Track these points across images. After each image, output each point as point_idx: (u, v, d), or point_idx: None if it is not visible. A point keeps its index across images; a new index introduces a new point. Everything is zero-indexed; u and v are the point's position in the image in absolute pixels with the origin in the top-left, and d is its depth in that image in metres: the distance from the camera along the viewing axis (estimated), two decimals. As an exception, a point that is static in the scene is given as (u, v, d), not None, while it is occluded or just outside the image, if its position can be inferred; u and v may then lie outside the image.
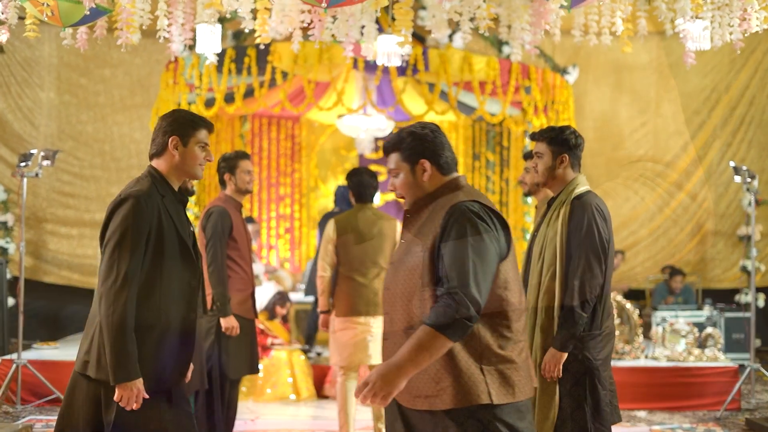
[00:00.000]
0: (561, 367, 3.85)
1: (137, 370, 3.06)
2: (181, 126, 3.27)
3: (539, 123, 8.73)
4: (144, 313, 3.11)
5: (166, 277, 3.17)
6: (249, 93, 8.80)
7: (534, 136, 4.14)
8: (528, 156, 5.28)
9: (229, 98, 8.72)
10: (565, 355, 3.85)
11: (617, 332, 8.14)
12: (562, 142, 4.02)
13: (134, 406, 3.06)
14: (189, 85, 8.68)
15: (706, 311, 9.69)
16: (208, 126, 3.34)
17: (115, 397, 3.06)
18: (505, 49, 9.30)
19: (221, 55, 8.35)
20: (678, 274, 10.75)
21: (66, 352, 8.06)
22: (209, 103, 8.77)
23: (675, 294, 10.56)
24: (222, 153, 6.26)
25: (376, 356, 5.76)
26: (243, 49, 8.34)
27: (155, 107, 9.38)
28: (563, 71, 9.23)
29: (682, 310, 9.61)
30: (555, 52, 10.27)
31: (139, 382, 3.06)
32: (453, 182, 2.96)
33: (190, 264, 3.27)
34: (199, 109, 8.69)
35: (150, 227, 3.13)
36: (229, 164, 5.39)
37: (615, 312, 8.29)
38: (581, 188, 4.00)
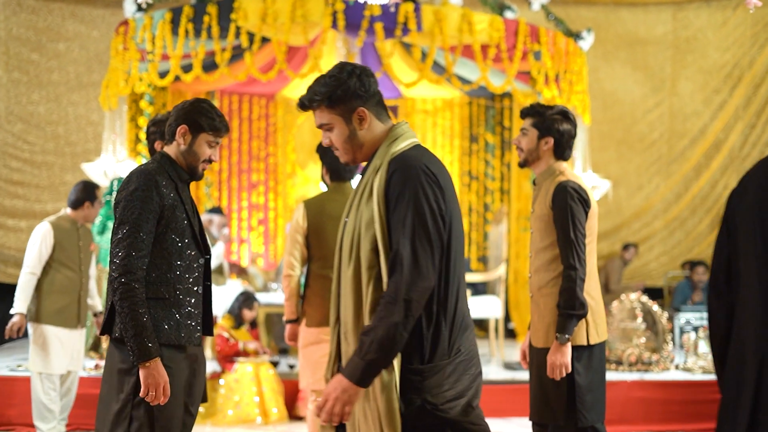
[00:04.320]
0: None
1: None
2: None
3: (550, 95, 7.53)
4: None
5: None
6: (211, 65, 7.61)
7: (522, 113, 3.88)
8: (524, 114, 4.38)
9: (188, 68, 7.53)
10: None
11: (643, 339, 6.97)
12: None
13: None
14: (141, 51, 7.50)
15: (736, 312, 8.52)
16: None
17: None
18: (508, 14, 8.11)
19: (177, 14, 7.16)
20: (699, 265, 9.74)
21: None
22: (164, 74, 7.56)
23: (701, 288, 9.49)
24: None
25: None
26: (202, 6, 7.15)
27: (105, 80, 8.21)
28: (577, 36, 8.02)
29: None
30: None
31: None
32: None
33: None
34: (152, 79, 7.49)
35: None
36: (162, 129, 4.12)
37: (641, 315, 7.11)
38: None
